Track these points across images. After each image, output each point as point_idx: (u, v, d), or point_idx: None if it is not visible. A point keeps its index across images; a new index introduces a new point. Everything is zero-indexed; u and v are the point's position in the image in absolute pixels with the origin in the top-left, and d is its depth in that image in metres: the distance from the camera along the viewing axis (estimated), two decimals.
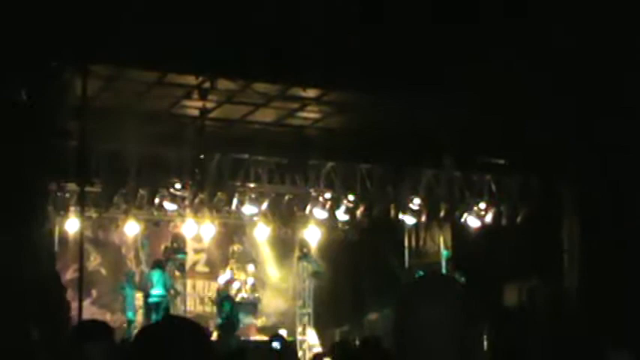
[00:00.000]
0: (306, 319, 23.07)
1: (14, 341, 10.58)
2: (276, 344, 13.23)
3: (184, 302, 21.82)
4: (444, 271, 20.72)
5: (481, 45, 14.40)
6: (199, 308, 22.29)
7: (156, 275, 20.43)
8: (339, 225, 22.18)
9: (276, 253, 23.29)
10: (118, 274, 21.65)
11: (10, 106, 12.28)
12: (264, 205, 19.79)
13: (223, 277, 22.26)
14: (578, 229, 18.45)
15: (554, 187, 19.13)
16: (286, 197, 19.87)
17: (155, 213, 20.43)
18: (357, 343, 20.66)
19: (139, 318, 20.47)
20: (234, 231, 22.77)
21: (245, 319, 21.99)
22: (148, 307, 20.16)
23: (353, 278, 22.29)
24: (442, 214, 20.62)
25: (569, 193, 18.88)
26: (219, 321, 20.10)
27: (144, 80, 16.08)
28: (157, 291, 20.30)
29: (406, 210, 20.50)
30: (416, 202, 20.35)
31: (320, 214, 20.45)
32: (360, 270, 22.17)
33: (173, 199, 19.00)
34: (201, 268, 22.97)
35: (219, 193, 19.24)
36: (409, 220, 20.92)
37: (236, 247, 23.06)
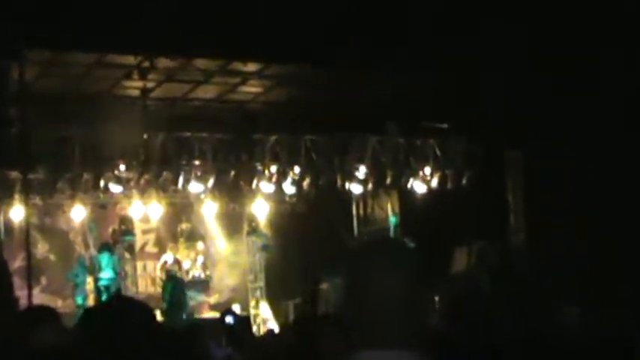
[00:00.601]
0: (258, 293, 23.08)
1: None
2: (228, 319, 13.21)
3: (135, 284, 21.72)
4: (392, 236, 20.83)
5: (425, 11, 14.45)
6: (151, 289, 22.17)
7: (104, 258, 20.31)
8: (287, 198, 22.20)
9: (225, 229, 23.25)
10: (68, 260, 21.46)
11: None
12: (211, 182, 19.71)
13: (164, 258, 22.13)
14: (523, 190, 18.67)
15: (497, 149, 19.32)
16: (232, 173, 19.81)
17: (101, 196, 20.25)
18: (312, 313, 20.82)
19: (91, 302, 20.34)
20: (181, 210, 22.66)
21: (197, 297, 21.97)
22: (99, 291, 20.04)
23: (303, 250, 22.34)
24: (388, 181, 20.71)
25: (512, 155, 19.08)
26: (163, 304, 19.98)
27: (82, 62, 15.93)
28: (106, 274, 20.19)
29: (352, 179, 20.57)
30: (362, 171, 20.42)
31: (267, 187, 20.44)
32: (310, 241, 22.21)
33: (118, 181, 18.84)
34: (150, 248, 22.86)
35: (164, 173, 19.12)
36: (356, 188, 20.99)
37: (184, 226, 22.97)
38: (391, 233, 21.65)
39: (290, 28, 14.24)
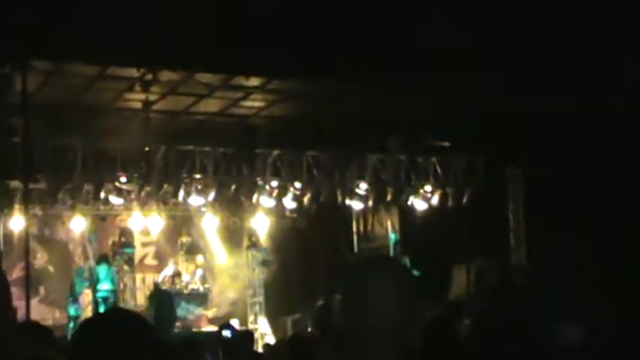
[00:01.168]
0: (257, 307, 23.03)
1: None
2: (226, 333, 13.17)
3: (134, 296, 21.69)
4: (392, 254, 20.82)
5: (424, 29, 14.48)
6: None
7: (103, 270, 20.28)
8: (287, 213, 22.21)
9: (226, 243, 23.23)
10: (66, 270, 21.46)
11: None
12: (211, 196, 19.71)
13: (167, 271, 22.15)
14: (523, 209, 18.67)
15: (498, 167, 19.33)
16: (233, 187, 19.81)
17: (101, 207, 20.28)
18: (310, 330, 20.79)
19: (89, 314, 20.30)
20: (182, 223, 22.68)
21: (196, 311, 21.95)
22: (97, 303, 20.01)
23: (303, 265, 22.33)
24: (389, 197, 20.71)
25: (513, 173, 19.09)
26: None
27: (85, 74, 15.96)
28: (104, 286, 20.16)
29: (353, 195, 20.57)
30: (362, 187, 20.42)
31: (267, 202, 20.44)
32: (310, 257, 22.21)
33: (119, 193, 18.84)
34: (150, 261, 22.85)
35: (165, 186, 19.13)
36: (356, 205, 20.99)
37: (184, 239, 22.97)
38: (391, 250, 21.62)
39: (292, 43, 14.28)
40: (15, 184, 17.25)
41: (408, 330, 2.87)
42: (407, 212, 21.27)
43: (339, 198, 20.60)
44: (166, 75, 16.03)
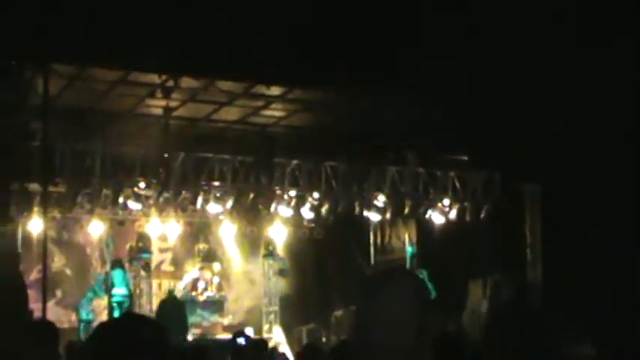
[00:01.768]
0: (272, 316, 23.04)
1: None
2: (240, 341, 13.17)
3: (150, 302, 21.72)
4: (408, 267, 20.79)
5: (446, 44, 14.47)
6: None
7: (118, 275, 20.32)
8: (305, 223, 22.21)
9: (242, 251, 23.24)
10: (83, 274, 21.54)
11: None
12: (229, 204, 19.75)
13: (189, 276, 22.24)
14: (540, 224, 18.60)
15: (516, 182, 19.27)
16: (251, 195, 19.83)
17: (120, 212, 20.32)
18: (324, 340, 20.78)
19: (103, 318, 20.34)
20: (199, 230, 22.71)
21: (211, 318, 21.97)
22: (112, 307, 20.05)
23: (319, 275, 22.33)
24: (407, 210, 20.68)
25: (530, 189, 19.03)
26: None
27: (107, 79, 16.03)
28: (119, 291, 20.20)
29: (371, 207, 20.54)
30: (381, 199, 20.40)
31: (285, 211, 20.45)
32: (326, 267, 22.21)
33: (137, 198, 18.89)
34: (166, 267, 22.90)
35: (183, 192, 19.18)
36: (374, 216, 20.97)
37: (202, 246, 22.99)
38: (408, 263, 21.58)
39: (314, 53, 14.30)
40: (34, 187, 17.30)
41: (422, 342, 2.87)
42: (424, 226, 21.23)
43: (357, 209, 20.59)
44: (187, 82, 16.08)
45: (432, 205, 20.66)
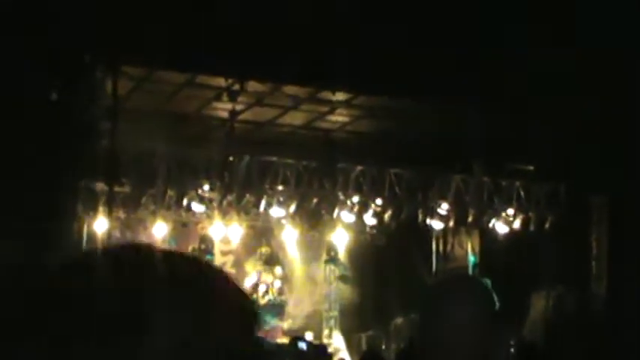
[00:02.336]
0: (332, 322, 23.05)
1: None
2: (301, 345, 13.20)
3: None
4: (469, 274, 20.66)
5: (515, 52, 14.35)
6: None
7: None
8: (367, 229, 22.17)
9: (304, 256, 23.28)
10: None
11: (41, 104, 12.38)
12: (292, 208, 19.80)
13: (250, 280, 22.34)
14: (607, 237, 18.34)
15: (582, 193, 19.03)
16: (314, 200, 19.86)
17: (183, 214, 20.48)
18: (383, 347, 20.71)
19: None
20: (261, 233, 22.79)
21: (272, 322, 22.02)
22: None
23: (380, 282, 22.25)
24: (470, 219, 20.56)
25: (597, 200, 18.77)
26: None
27: (174, 82, 16.16)
28: None
29: (434, 215, 20.45)
30: (444, 208, 20.30)
31: (348, 217, 20.45)
32: (387, 274, 22.12)
33: (201, 200, 19.04)
34: (228, 270, 23.00)
35: (247, 196, 19.27)
36: (437, 225, 20.87)
37: (264, 250, 23.08)
38: (470, 272, 21.43)
39: (381, 60, 14.26)
40: (100, 186, 17.50)
41: (489, 350, 2.83)
42: (488, 235, 21.08)
43: (420, 217, 20.51)
44: (253, 86, 16.13)
45: (496, 215, 20.52)
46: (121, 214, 19.58)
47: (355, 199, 20.06)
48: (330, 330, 22.90)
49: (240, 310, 1.41)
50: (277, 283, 22.60)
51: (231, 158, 18.30)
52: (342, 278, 23.12)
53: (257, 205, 19.61)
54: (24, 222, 11.85)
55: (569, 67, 14.09)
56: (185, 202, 19.04)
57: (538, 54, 14.01)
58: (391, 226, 21.11)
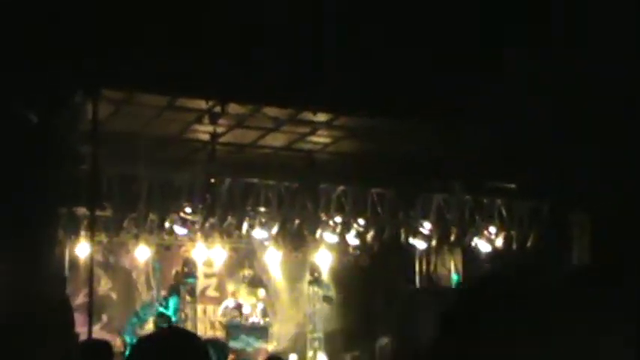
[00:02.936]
0: (317, 343, 22.98)
1: None
2: None
3: (195, 327, 21.77)
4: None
5: (492, 71, 14.41)
6: (210, 333, 22.23)
7: (174, 301, 20.59)
8: (350, 249, 22.17)
9: (287, 278, 23.27)
10: (129, 298, 21.67)
11: (20, 129, 12.34)
12: (275, 230, 19.78)
13: (227, 303, 22.25)
14: (589, 254, 18.39)
15: (563, 211, 19.10)
16: (296, 221, 19.85)
17: (166, 237, 20.44)
18: None
19: None
20: (244, 255, 22.77)
21: (255, 344, 21.94)
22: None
23: (364, 303, 22.23)
24: (452, 238, 20.59)
25: (578, 218, 18.84)
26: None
27: (154, 104, 16.16)
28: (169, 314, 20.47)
29: (417, 234, 20.48)
30: (426, 227, 20.32)
31: (330, 238, 20.44)
32: (371, 294, 22.11)
33: (184, 223, 19.00)
34: (211, 292, 22.94)
35: (229, 218, 19.25)
36: (420, 244, 20.89)
37: (247, 272, 23.05)
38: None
39: (360, 80, 14.30)
40: (82, 211, 17.45)
41: None
42: (470, 254, 21.12)
43: (403, 236, 20.53)
44: (234, 108, 16.15)
45: (478, 233, 20.56)
46: (103, 238, 19.53)
47: (338, 219, 20.07)
48: (315, 351, 22.84)
49: None
50: (260, 306, 22.54)
51: (212, 180, 18.28)
52: (326, 299, 23.09)
53: (239, 227, 19.60)
54: (4, 247, 11.80)
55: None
56: (167, 225, 19.00)
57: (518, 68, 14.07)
58: (374, 246, 21.11)
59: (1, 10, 12.14)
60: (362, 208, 19.96)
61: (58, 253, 15.79)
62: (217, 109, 16.13)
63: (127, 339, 20.33)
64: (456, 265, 22.26)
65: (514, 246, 20.44)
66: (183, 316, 21.19)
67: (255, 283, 22.99)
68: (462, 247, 21.45)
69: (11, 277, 11.51)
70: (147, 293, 21.80)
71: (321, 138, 18.56)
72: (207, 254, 21.09)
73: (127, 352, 19.46)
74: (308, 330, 23.20)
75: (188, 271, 21.49)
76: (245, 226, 19.48)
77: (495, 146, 16.58)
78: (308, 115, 16.81)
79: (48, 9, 12.48)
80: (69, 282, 18.19)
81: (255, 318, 22.30)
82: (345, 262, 22.77)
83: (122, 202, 17.99)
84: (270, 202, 19.34)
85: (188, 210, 18.65)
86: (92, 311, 14.83)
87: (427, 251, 22.33)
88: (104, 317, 21.22)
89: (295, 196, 19.41)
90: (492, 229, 20.50)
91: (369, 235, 20.34)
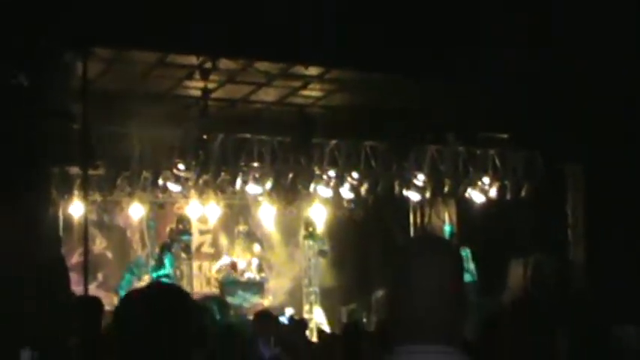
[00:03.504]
0: (312, 297, 23.08)
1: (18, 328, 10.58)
2: (283, 319, 13.22)
3: (191, 284, 21.82)
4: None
5: (485, 23, 14.34)
6: (206, 289, 22.30)
7: (169, 258, 20.60)
8: (344, 203, 22.18)
9: (282, 233, 23.30)
10: (124, 257, 21.69)
11: (10, 89, 12.25)
12: (268, 185, 19.75)
13: (222, 261, 22.28)
14: (583, 204, 18.43)
15: (558, 161, 19.10)
16: (290, 176, 19.82)
17: (160, 195, 20.41)
18: (365, 320, 20.76)
19: None
20: (239, 211, 22.77)
21: (252, 299, 22.02)
22: None
23: (359, 256, 22.30)
24: (446, 189, 20.59)
25: (572, 168, 18.86)
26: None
27: (145, 61, 16.05)
28: (166, 272, 20.45)
29: (410, 186, 20.47)
30: (420, 178, 20.31)
31: (324, 192, 20.44)
32: (366, 247, 22.17)
33: (177, 180, 18.95)
34: (207, 249, 22.98)
35: (222, 174, 19.20)
36: (414, 196, 20.90)
37: (241, 228, 23.07)
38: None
39: (351, 34, 14.20)
40: (74, 170, 17.39)
41: (454, 308, 2.84)
42: (464, 205, 21.15)
43: (397, 189, 20.53)
44: (225, 63, 16.05)
45: (472, 184, 20.56)
46: (97, 197, 19.49)
47: (331, 173, 20.04)
48: (311, 305, 22.93)
49: None
50: (256, 261, 22.58)
51: (205, 137, 18.21)
52: (321, 253, 23.15)
53: (233, 183, 19.55)
54: None
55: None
56: (161, 182, 18.95)
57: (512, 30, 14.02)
58: (368, 199, 21.12)
59: None
60: (355, 161, 19.93)
61: (51, 213, 15.73)
62: (208, 64, 16.03)
63: (122, 294, 20.38)
64: (450, 217, 22.30)
65: (508, 196, 20.44)
66: (178, 273, 21.22)
67: (250, 238, 23.02)
68: (455, 199, 21.47)
69: (5, 238, 11.48)
70: (142, 251, 21.82)
71: (313, 92, 18.48)
72: (202, 211, 21.10)
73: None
74: (304, 284, 23.28)
75: (182, 228, 21.49)
76: (239, 181, 19.43)
77: (488, 96, 16.53)
78: (300, 69, 16.72)
79: None
80: (63, 242, 18.15)
81: (251, 274, 22.35)
82: (340, 216, 22.80)
83: (115, 161, 17.91)
84: (264, 157, 19.29)
85: (181, 167, 18.59)
86: (87, 270, 14.82)
87: (421, 203, 22.38)
88: (99, 276, 21.24)
89: (288, 150, 19.35)
90: (486, 180, 20.49)
91: (363, 189, 20.32)
